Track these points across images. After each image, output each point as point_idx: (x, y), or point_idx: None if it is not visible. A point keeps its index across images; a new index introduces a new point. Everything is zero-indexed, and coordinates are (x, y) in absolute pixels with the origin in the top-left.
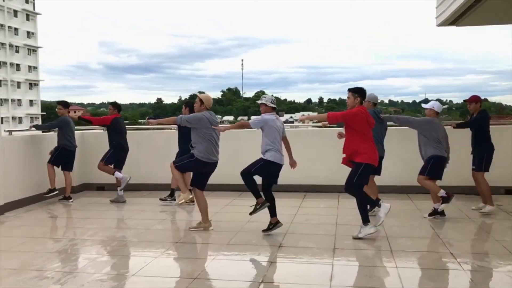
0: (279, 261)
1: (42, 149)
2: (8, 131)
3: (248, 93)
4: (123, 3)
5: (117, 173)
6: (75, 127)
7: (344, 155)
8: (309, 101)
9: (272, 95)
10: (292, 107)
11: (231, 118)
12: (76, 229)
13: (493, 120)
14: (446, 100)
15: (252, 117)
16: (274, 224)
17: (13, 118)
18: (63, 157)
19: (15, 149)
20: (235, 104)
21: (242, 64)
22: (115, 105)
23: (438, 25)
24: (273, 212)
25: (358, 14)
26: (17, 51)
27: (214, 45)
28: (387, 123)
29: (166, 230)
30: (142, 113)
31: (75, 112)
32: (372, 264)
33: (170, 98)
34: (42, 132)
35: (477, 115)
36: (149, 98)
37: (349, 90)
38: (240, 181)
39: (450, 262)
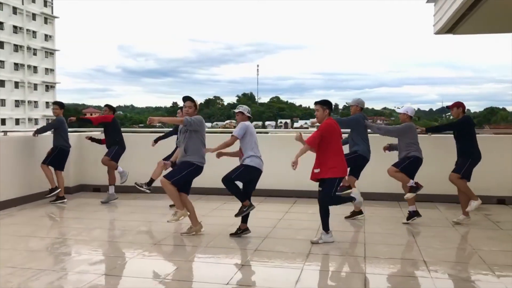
0: (251, 264)
1: (36, 149)
2: (3, 131)
3: (264, 99)
4: (142, 8)
5: (119, 168)
6: (77, 128)
7: (317, 170)
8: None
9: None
10: (306, 113)
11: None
12: (62, 229)
13: (479, 129)
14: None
15: (233, 130)
16: (243, 230)
17: (29, 119)
18: (60, 157)
19: (10, 149)
20: (250, 109)
21: (257, 69)
22: (110, 107)
23: (435, 33)
24: (245, 219)
25: (376, 21)
26: (34, 54)
27: (230, 50)
28: None
29: (150, 232)
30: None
31: (91, 114)
32: (342, 270)
33: None
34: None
35: (457, 120)
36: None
37: (317, 103)
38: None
39: (420, 269)
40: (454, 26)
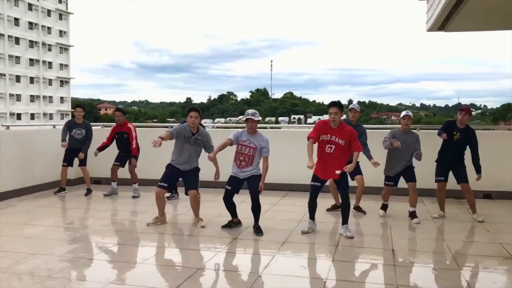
0: (226, 251)
1: (37, 143)
2: (5, 125)
3: (277, 94)
4: (157, 3)
5: (113, 184)
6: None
7: (339, 172)
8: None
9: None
10: (320, 108)
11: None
12: (56, 218)
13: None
14: (480, 105)
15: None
16: (236, 222)
17: (44, 114)
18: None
19: (11, 143)
20: (263, 105)
21: (271, 65)
22: (122, 111)
23: (428, 31)
24: (234, 214)
25: (391, 15)
26: (49, 50)
27: (244, 45)
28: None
29: (136, 222)
30: (172, 111)
31: (106, 109)
32: (312, 257)
33: (199, 97)
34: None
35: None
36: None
37: (335, 105)
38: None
39: (385, 257)
40: (444, 23)
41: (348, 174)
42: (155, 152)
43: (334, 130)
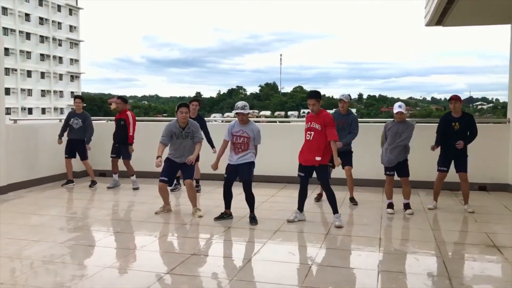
0: (220, 240)
1: (43, 136)
2: (13, 119)
3: (287, 88)
4: None
5: (114, 176)
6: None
7: (319, 158)
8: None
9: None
10: (330, 103)
11: (268, 113)
12: (61, 208)
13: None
14: (492, 98)
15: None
16: (228, 214)
17: (55, 108)
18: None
19: (19, 136)
20: (273, 99)
21: (280, 58)
22: (123, 99)
23: (426, 25)
24: (228, 205)
25: (402, 8)
26: (60, 45)
27: (254, 39)
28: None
29: (136, 212)
30: None
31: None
32: (301, 244)
33: (209, 92)
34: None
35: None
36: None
37: (313, 96)
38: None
39: (371, 245)
40: (441, 18)
41: (328, 165)
42: (152, 145)
43: (313, 117)
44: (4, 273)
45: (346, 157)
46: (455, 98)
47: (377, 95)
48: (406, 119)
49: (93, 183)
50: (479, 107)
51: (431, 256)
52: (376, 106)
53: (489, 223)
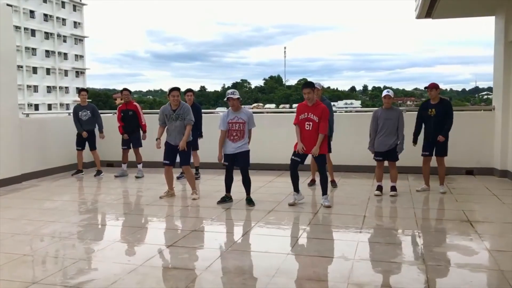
0: (218, 219)
1: (54, 129)
2: (25, 113)
3: (291, 81)
4: None
5: (124, 166)
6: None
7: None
8: (353, 89)
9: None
10: (334, 95)
11: (272, 106)
12: (73, 194)
13: (455, 107)
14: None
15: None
16: (229, 197)
17: (61, 104)
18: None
19: (31, 129)
20: (277, 92)
21: (284, 51)
22: (129, 90)
23: (416, 18)
24: (229, 188)
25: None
26: (64, 41)
27: (259, 32)
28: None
29: (143, 197)
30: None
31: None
32: (291, 221)
33: (213, 86)
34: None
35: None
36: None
37: (308, 86)
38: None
39: (355, 221)
40: (429, 11)
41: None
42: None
43: (311, 108)
44: (26, 247)
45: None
46: (430, 87)
47: (382, 87)
48: (393, 107)
49: (98, 173)
50: (485, 96)
51: (408, 230)
52: (380, 97)
53: (468, 202)
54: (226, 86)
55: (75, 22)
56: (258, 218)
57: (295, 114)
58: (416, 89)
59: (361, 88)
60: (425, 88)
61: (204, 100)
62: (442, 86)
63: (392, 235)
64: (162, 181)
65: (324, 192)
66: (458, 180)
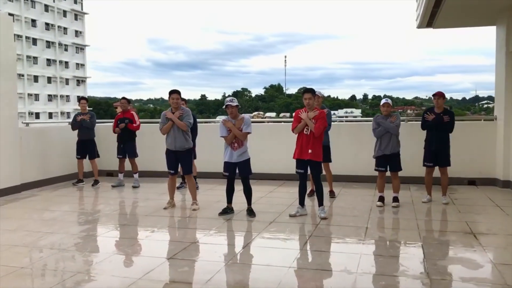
0: (219, 230)
1: (54, 138)
2: (25, 122)
3: (292, 89)
4: (171, 1)
5: (120, 176)
6: (97, 120)
7: (311, 151)
8: (353, 97)
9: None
10: (335, 103)
11: (273, 114)
12: (72, 204)
13: (457, 117)
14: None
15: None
16: (231, 209)
17: (62, 113)
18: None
19: (31, 138)
20: (278, 101)
21: (285, 60)
22: (127, 99)
23: (418, 27)
24: (230, 199)
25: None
26: (65, 50)
27: (259, 41)
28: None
29: (141, 208)
30: None
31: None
32: (292, 233)
33: (214, 94)
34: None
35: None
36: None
37: (310, 91)
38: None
39: (357, 233)
40: (430, 21)
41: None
42: (157, 146)
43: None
44: (24, 259)
45: (326, 154)
46: (438, 94)
47: (382, 95)
48: (392, 113)
49: (95, 182)
50: (485, 105)
51: (411, 242)
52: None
53: (471, 213)
54: (226, 95)
55: (76, 31)
56: (259, 230)
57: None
58: (416, 97)
59: (361, 96)
60: (433, 95)
61: (205, 108)
62: None
63: (395, 247)
64: (160, 191)
65: (320, 203)
66: (460, 191)
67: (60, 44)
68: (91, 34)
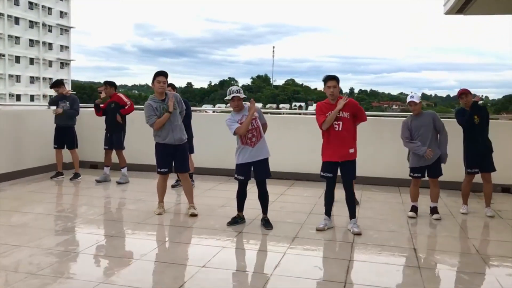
0: (231, 247)
1: (31, 124)
2: None
3: (279, 81)
4: None
5: (106, 169)
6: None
7: (352, 150)
8: (339, 91)
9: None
10: (321, 96)
11: (260, 105)
12: (48, 204)
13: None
14: (482, 95)
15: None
16: (242, 218)
17: (44, 96)
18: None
19: (4, 123)
20: (265, 92)
21: (273, 51)
22: (111, 83)
23: (445, 13)
24: (242, 207)
25: (397, 3)
26: (50, 31)
27: (248, 31)
28: None
29: (132, 211)
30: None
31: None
32: (326, 256)
33: (200, 83)
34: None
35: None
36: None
37: (334, 78)
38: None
39: (407, 257)
40: (464, 6)
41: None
42: (145, 137)
43: (335, 105)
44: None
45: None
46: (465, 92)
47: (368, 90)
48: (423, 111)
49: (75, 176)
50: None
51: (479, 271)
52: (367, 100)
53: None
54: (213, 84)
55: (61, 12)
56: (282, 249)
57: (312, 116)
58: (401, 93)
59: (348, 90)
60: (459, 95)
61: (190, 96)
62: (427, 92)
63: (462, 280)
64: (151, 189)
65: (352, 214)
66: (497, 200)
67: (44, 24)
68: (77, 16)
